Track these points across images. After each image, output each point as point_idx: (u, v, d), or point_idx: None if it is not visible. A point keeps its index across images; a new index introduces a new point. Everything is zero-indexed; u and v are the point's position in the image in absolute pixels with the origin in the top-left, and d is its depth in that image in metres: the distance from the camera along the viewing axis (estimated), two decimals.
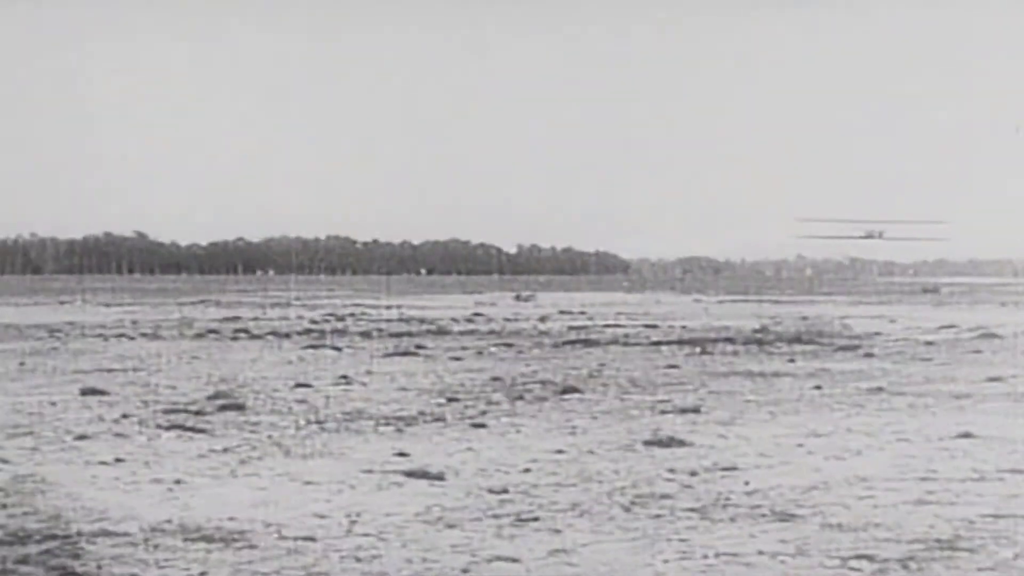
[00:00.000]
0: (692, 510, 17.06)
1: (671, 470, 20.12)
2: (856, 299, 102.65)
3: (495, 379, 34.75)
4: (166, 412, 27.09)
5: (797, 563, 14.24)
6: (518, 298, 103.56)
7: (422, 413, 27.26)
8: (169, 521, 16.24)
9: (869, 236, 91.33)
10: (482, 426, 25.37)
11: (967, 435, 23.64)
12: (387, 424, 25.59)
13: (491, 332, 57.69)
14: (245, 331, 57.89)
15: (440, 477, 19.46)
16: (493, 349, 47.05)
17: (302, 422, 25.71)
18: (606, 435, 24.17)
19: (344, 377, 35.13)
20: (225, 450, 22.14)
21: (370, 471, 20.04)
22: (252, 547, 14.90)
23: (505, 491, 18.39)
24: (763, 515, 16.71)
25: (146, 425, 25.18)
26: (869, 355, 43.87)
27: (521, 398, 30.19)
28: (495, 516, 16.72)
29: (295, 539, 15.27)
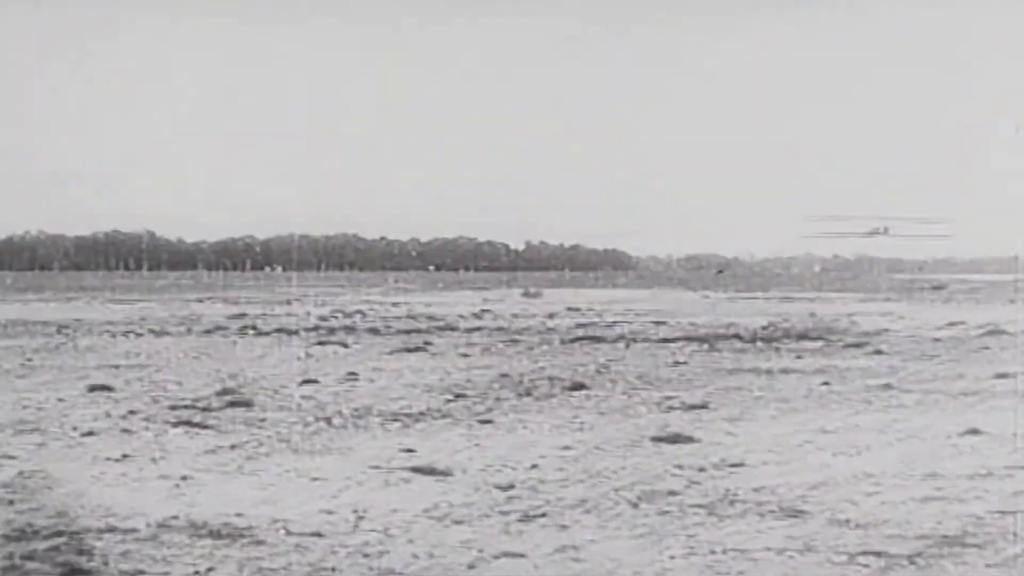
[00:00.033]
0: (699, 506, 17.05)
1: (678, 466, 20.11)
2: (864, 296, 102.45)
3: (502, 375, 34.71)
4: (173, 408, 27.10)
5: (804, 559, 14.22)
6: (526, 295, 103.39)
7: (429, 409, 27.25)
8: (176, 517, 16.24)
9: (874, 233, 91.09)
10: (489, 422, 25.36)
11: (974, 431, 23.61)
12: (394, 420, 25.58)
13: (499, 329, 57.62)
14: (253, 328, 57.83)
15: (447, 473, 19.46)
16: (500, 346, 46.99)
17: (309, 419, 25.70)
18: (613, 431, 24.15)
19: (351, 373, 35.10)
20: (232, 446, 22.15)
21: (377, 467, 20.03)
22: (259, 543, 14.90)
23: (512, 487, 18.38)
24: (770, 511, 16.70)
25: (153, 421, 25.19)
26: (877, 352, 43.79)
27: (528, 394, 30.17)
28: (502, 512, 16.71)
29: (302, 535, 15.27)
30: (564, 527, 15.83)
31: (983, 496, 17.67)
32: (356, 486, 18.54)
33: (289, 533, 15.36)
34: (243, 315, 68.56)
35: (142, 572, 13.70)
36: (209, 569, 13.79)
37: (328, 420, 25.50)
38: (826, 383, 32.81)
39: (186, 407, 27.27)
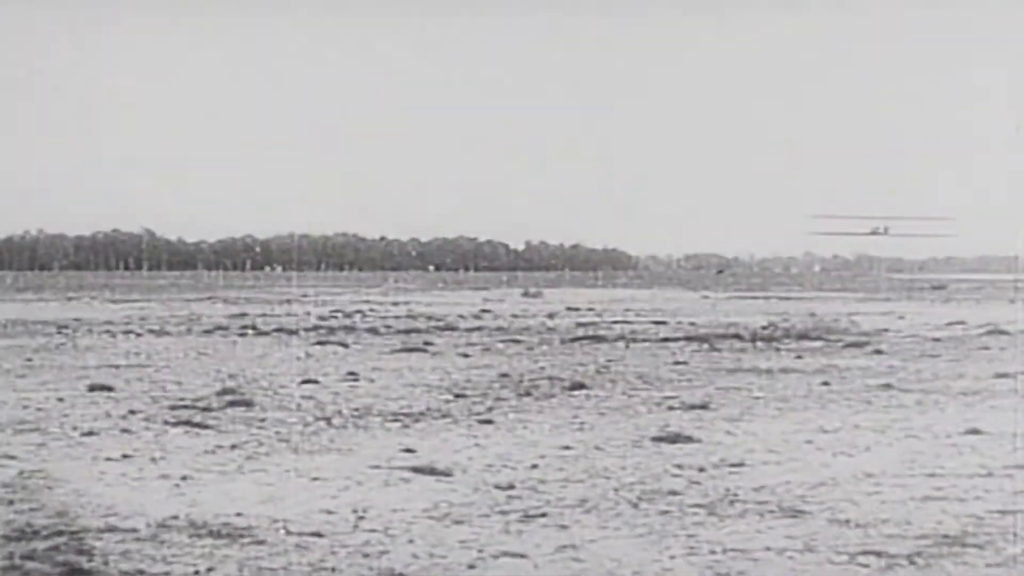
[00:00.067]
0: (700, 506, 17.05)
1: (679, 466, 20.12)
2: (864, 296, 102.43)
3: (503, 375, 34.70)
4: (173, 408, 27.09)
5: (805, 559, 14.22)
6: (526, 294, 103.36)
7: (429, 409, 27.24)
8: (176, 517, 16.24)
9: (874, 232, 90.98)
10: (489, 422, 25.36)
11: (975, 431, 23.61)
12: (394, 420, 25.58)
13: (499, 328, 57.59)
14: (253, 327, 57.81)
15: (447, 473, 19.46)
16: (501, 345, 46.98)
17: (309, 418, 25.70)
18: (614, 431, 24.15)
19: (351, 373, 35.09)
20: (232, 446, 22.15)
21: (377, 467, 20.03)
22: (259, 543, 14.90)
23: (512, 487, 18.38)
24: (771, 511, 16.70)
25: (153, 421, 25.19)
26: (877, 352, 43.77)
27: (529, 394, 30.17)
28: (502, 512, 16.71)
29: (302, 535, 15.27)
30: (564, 527, 15.83)
31: (983, 496, 17.67)
32: (356, 486, 18.54)
33: (289, 533, 15.36)
34: (243, 315, 68.53)
35: (142, 572, 13.70)
36: (209, 569, 13.79)
37: (328, 420, 25.50)
38: (826, 383, 32.80)
39: (186, 407, 27.26)
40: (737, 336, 51.58)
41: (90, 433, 23.56)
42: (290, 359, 40.60)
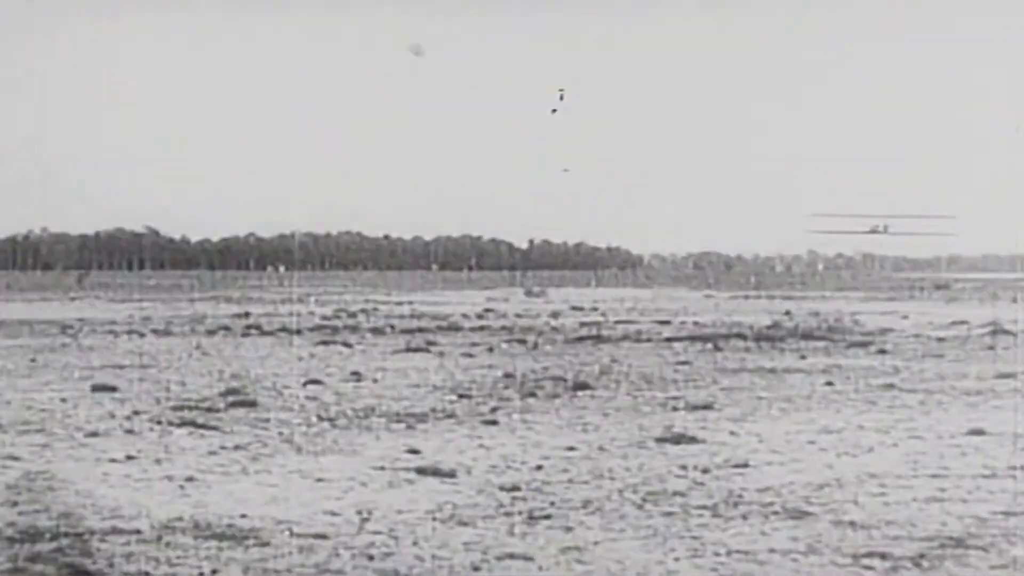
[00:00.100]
0: (704, 507, 17.06)
1: (683, 467, 20.12)
2: (868, 295, 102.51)
3: (507, 376, 34.69)
4: (177, 409, 27.09)
5: (809, 561, 14.23)
6: (529, 294, 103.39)
7: (434, 410, 27.24)
8: (180, 518, 16.24)
9: (874, 231, 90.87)
10: (494, 423, 25.37)
11: (979, 432, 23.61)
12: (398, 421, 25.58)
13: (503, 328, 57.60)
14: (256, 327, 57.83)
15: (452, 474, 19.46)
16: (504, 345, 46.98)
17: (313, 419, 25.71)
18: (618, 432, 24.16)
19: (355, 374, 35.10)
20: (236, 447, 22.15)
21: (382, 468, 20.04)
22: (264, 544, 14.90)
23: (517, 488, 18.39)
24: (775, 512, 16.70)
25: (157, 422, 25.19)
26: (881, 351, 43.77)
27: (533, 395, 30.16)
28: (507, 513, 16.71)
29: (306, 536, 15.27)
30: (569, 528, 15.83)
31: (987, 497, 17.66)
32: (360, 487, 18.55)
33: (294, 534, 15.37)
34: (247, 314, 68.57)
35: (147, 574, 13.71)
36: (214, 571, 13.79)
37: (332, 421, 25.50)
38: (830, 383, 32.81)
39: (190, 407, 27.26)
40: (741, 336, 51.56)
41: (94, 434, 23.56)
42: (294, 359, 40.60)
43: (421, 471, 19.66)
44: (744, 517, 16.44)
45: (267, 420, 25.52)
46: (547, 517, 16.46)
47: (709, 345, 46.90)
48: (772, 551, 14.59)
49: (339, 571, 13.80)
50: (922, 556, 14.31)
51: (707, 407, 27.65)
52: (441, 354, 42.55)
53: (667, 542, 15.07)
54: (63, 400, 28.64)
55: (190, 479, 19.07)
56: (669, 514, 16.63)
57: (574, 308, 78.58)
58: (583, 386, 31.73)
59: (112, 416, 26.01)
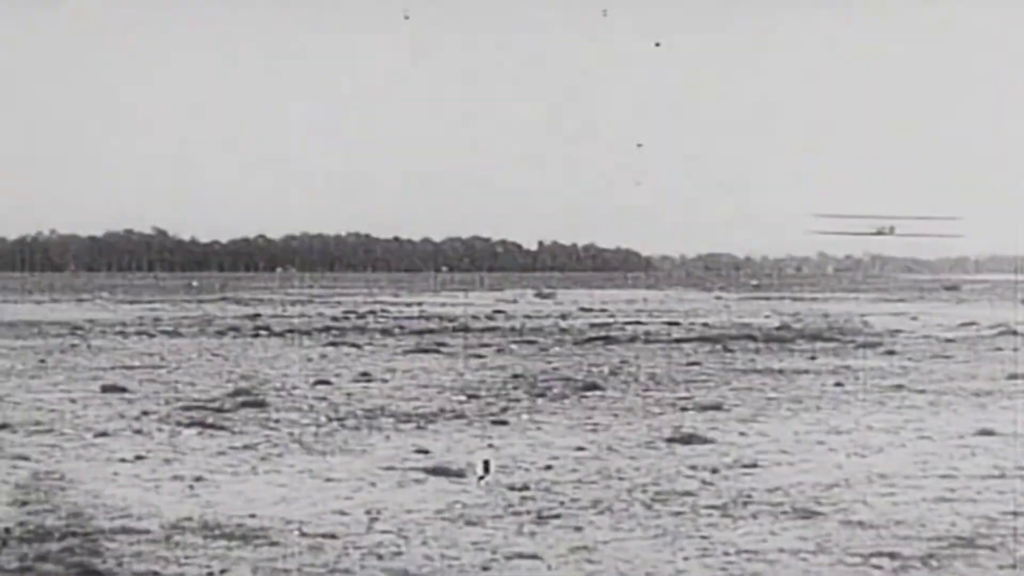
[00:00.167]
0: (713, 507, 17.05)
1: (692, 467, 20.11)
2: (877, 296, 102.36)
3: (516, 376, 34.70)
4: (186, 409, 27.12)
5: (818, 560, 14.22)
6: (539, 295, 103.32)
7: (443, 410, 27.25)
8: (190, 518, 16.26)
9: (879, 232, 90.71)
10: (503, 423, 25.37)
11: (988, 432, 23.59)
12: (408, 421, 25.59)
13: (512, 329, 57.59)
14: (266, 328, 57.86)
15: (461, 474, 19.46)
16: (514, 346, 46.97)
17: (323, 419, 25.72)
18: (627, 432, 24.15)
19: (365, 374, 35.12)
20: (246, 447, 22.17)
21: (391, 468, 20.05)
22: (273, 544, 14.91)
23: (526, 488, 18.39)
24: (784, 512, 16.69)
25: (166, 422, 25.21)
26: (890, 352, 43.74)
27: (542, 395, 30.16)
28: (516, 513, 16.71)
29: (316, 536, 15.28)
30: (578, 528, 15.83)
31: (996, 497, 17.65)
32: (370, 487, 18.55)
33: (303, 534, 15.37)
34: (256, 315, 68.59)
35: (156, 573, 13.71)
36: (223, 570, 13.80)
37: (341, 421, 25.51)
38: (839, 384, 32.79)
39: (200, 408, 27.28)
40: (750, 337, 51.54)
41: (103, 434, 23.59)
42: (303, 360, 40.62)
43: (430, 471, 19.67)
44: (753, 517, 16.43)
45: (276, 420, 25.53)
46: (556, 517, 16.46)
47: (719, 346, 46.88)
48: (781, 551, 14.58)
49: (348, 571, 13.80)
50: (931, 556, 14.30)
51: (717, 407, 27.64)
52: (451, 355, 42.56)
53: (676, 542, 15.07)
54: (73, 400, 28.67)
55: (199, 479, 19.09)
56: (678, 514, 16.63)
57: (583, 309, 78.54)
58: (592, 387, 31.73)
59: (122, 416, 26.04)
